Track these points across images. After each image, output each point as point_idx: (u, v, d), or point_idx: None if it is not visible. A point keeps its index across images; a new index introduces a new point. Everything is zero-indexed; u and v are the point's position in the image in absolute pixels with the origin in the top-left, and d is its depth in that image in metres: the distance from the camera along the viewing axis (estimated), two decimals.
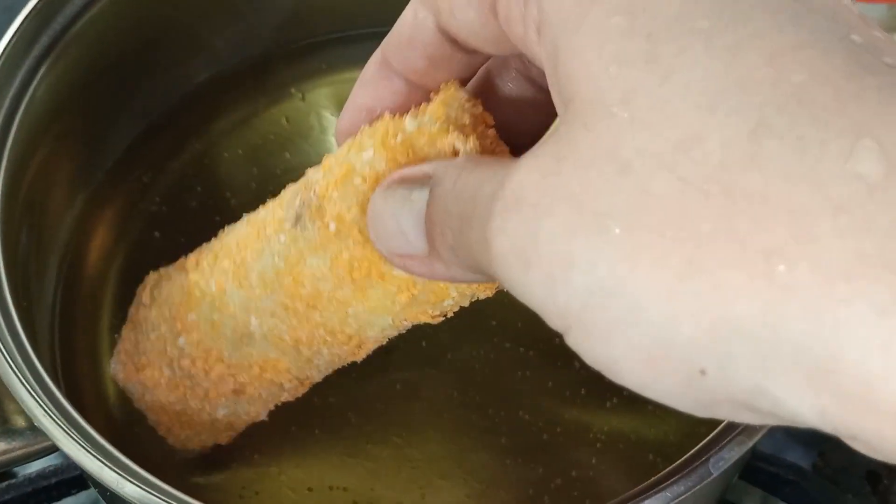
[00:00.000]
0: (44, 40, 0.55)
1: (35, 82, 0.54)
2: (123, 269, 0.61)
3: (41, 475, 0.57)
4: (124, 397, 0.55)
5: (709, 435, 0.44)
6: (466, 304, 0.41)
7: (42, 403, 0.43)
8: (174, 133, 0.66)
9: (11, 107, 0.53)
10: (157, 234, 0.62)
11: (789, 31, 0.24)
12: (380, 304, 0.41)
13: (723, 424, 0.44)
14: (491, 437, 0.55)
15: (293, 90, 0.68)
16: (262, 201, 0.61)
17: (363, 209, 0.37)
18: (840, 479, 0.58)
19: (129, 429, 0.55)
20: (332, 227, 0.40)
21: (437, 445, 0.55)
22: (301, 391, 0.50)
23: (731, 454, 0.42)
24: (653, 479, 0.43)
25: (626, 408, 0.56)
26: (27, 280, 0.55)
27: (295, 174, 0.62)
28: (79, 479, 0.58)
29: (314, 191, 0.40)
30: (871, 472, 0.58)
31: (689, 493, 0.42)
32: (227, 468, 0.55)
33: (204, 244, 0.48)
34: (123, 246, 0.62)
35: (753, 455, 0.55)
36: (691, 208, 0.23)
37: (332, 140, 0.65)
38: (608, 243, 0.24)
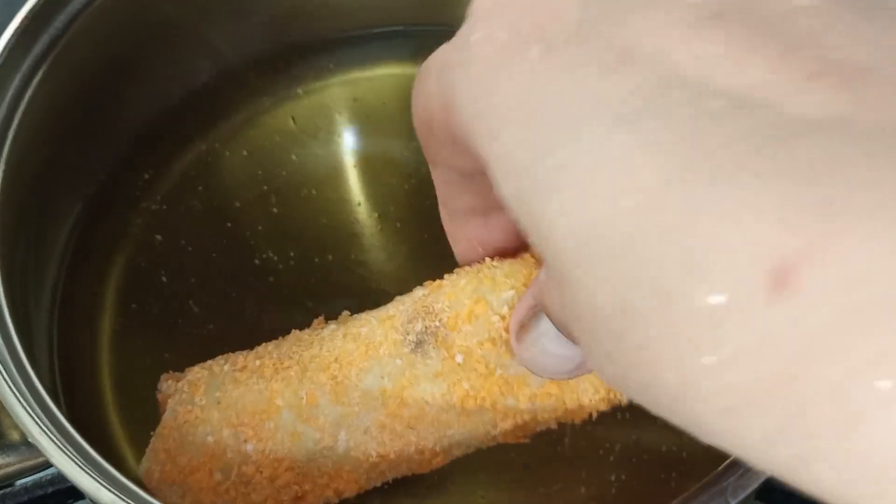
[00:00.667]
0: (44, 39, 0.53)
1: (34, 83, 0.52)
2: (125, 271, 0.60)
3: (38, 484, 0.56)
4: (124, 411, 0.54)
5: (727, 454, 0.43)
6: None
7: (37, 419, 0.42)
8: (177, 133, 0.64)
9: (10, 108, 0.51)
10: (158, 236, 0.61)
11: None
12: (481, 428, 0.44)
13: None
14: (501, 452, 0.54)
15: (299, 90, 0.66)
16: (268, 204, 0.61)
17: (495, 344, 0.42)
18: None
19: (129, 443, 0.54)
20: (460, 358, 0.43)
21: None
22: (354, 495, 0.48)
23: (750, 482, 0.41)
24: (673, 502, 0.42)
25: (637, 422, 0.55)
26: (25, 286, 0.53)
27: (300, 175, 0.62)
28: (76, 490, 0.56)
29: (441, 320, 0.43)
30: None
31: None
32: None
33: (273, 346, 0.47)
34: (124, 248, 0.61)
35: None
36: None
37: (339, 141, 0.64)
38: None
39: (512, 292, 0.41)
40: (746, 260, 0.21)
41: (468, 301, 0.42)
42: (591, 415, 0.45)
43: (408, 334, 0.44)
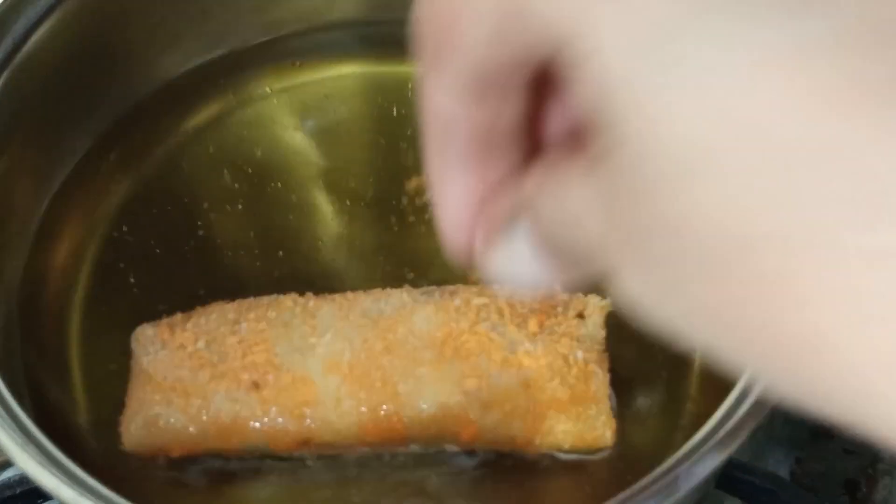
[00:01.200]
0: (7, 42, 0.53)
1: None
2: (91, 270, 0.60)
3: (6, 485, 0.56)
4: (93, 409, 0.55)
5: (683, 445, 0.44)
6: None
7: None
8: (142, 132, 0.64)
9: None
10: (125, 233, 0.61)
11: None
12: (446, 380, 0.50)
13: (697, 436, 0.44)
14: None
15: (266, 88, 0.67)
16: (234, 201, 0.61)
17: (492, 301, 0.52)
18: (818, 488, 0.57)
19: (94, 438, 0.54)
20: (457, 302, 0.52)
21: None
22: (296, 446, 0.51)
23: (703, 469, 0.42)
24: (621, 494, 0.42)
25: None
26: None
27: (267, 173, 0.63)
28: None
29: (454, 286, 0.54)
30: (850, 479, 0.58)
31: None
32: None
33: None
34: (90, 246, 0.61)
35: (729, 464, 0.54)
36: None
37: (302, 137, 0.64)
38: None
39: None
40: None
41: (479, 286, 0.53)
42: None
43: (424, 291, 0.53)
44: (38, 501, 0.57)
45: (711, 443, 0.42)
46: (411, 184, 0.61)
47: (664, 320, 0.24)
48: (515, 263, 0.30)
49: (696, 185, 0.21)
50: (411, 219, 0.60)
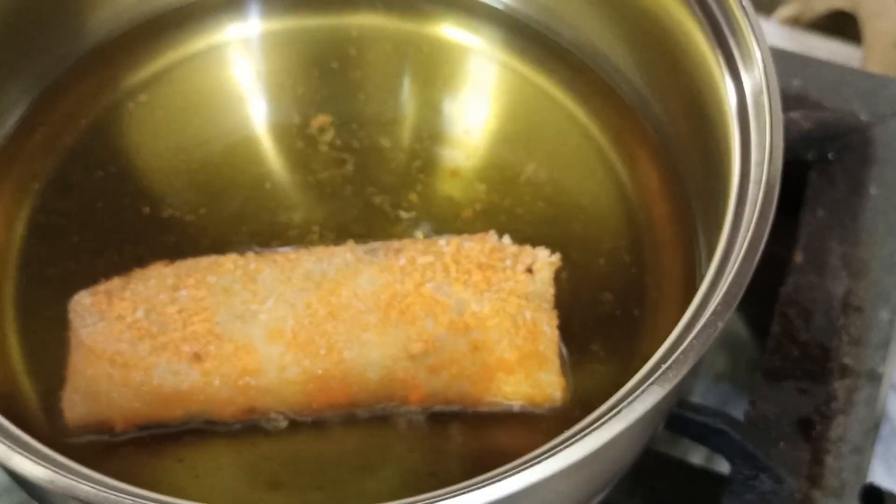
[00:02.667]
0: None
1: None
2: (28, 230, 0.58)
3: None
4: (32, 366, 0.53)
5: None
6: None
7: None
8: (80, 91, 0.63)
9: None
10: (63, 195, 0.60)
11: None
12: (392, 345, 0.50)
13: (640, 372, 0.43)
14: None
15: (206, 43, 0.65)
16: (175, 159, 0.60)
17: (435, 263, 0.51)
18: (771, 428, 0.57)
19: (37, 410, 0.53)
20: (402, 261, 0.51)
21: None
22: (242, 415, 0.50)
23: (644, 404, 0.41)
24: (564, 434, 0.41)
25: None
26: None
27: (209, 129, 0.62)
28: None
29: (399, 241, 0.53)
30: (804, 418, 0.57)
31: (599, 447, 0.40)
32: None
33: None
34: (25, 206, 0.59)
35: (680, 404, 0.54)
36: None
37: (241, 91, 0.63)
38: None
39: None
40: None
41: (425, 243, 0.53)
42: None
43: (368, 249, 0.53)
44: None
45: (652, 379, 0.42)
46: (316, 122, 0.61)
47: None
48: None
49: None
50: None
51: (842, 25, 0.89)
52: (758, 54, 0.50)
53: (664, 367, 0.42)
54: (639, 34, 0.60)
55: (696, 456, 0.70)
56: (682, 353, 0.42)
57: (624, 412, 0.41)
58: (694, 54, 0.54)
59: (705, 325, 0.42)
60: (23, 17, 0.59)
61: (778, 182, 0.46)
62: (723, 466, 0.61)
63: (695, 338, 0.42)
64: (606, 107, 0.62)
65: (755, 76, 0.50)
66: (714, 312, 0.43)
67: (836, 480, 0.55)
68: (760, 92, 0.49)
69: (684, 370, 0.42)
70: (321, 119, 0.62)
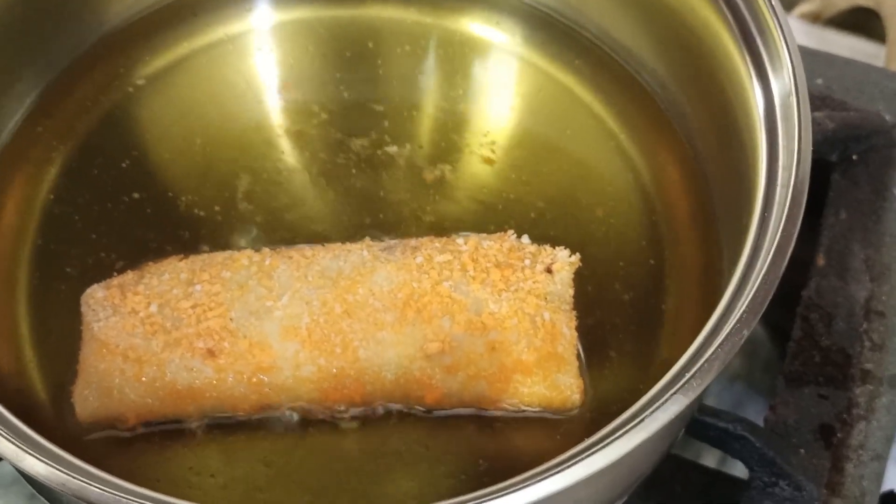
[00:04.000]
0: None
1: None
2: (41, 220, 0.58)
3: None
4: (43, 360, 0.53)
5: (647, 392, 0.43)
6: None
7: None
8: (93, 81, 0.62)
9: None
10: (74, 185, 0.59)
11: None
12: (408, 344, 0.49)
13: (664, 379, 0.43)
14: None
15: (223, 34, 0.65)
16: (187, 148, 0.59)
17: (453, 262, 0.50)
18: (791, 434, 0.56)
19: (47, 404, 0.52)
20: (419, 259, 0.50)
21: None
22: (255, 410, 0.50)
23: (668, 413, 0.41)
24: (587, 441, 0.41)
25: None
26: None
27: (221, 119, 0.61)
28: None
29: (416, 239, 0.52)
30: (825, 425, 0.56)
31: (622, 455, 0.40)
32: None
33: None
34: (38, 195, 0.59)
35: (701, 409, 0.53)
36: None
37: (259, 82, 0.63)
38: None
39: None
40: None
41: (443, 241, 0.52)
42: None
43: (385, 247, 0.52)
44: None
45: (676, 387, 0.41)
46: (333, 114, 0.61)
47: None
48: None
49: None
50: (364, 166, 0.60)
51: (862, 22, 0.88)
52: (787, 57, 0.49)
53: (689, 375, 0.41)
54: (664, 31, 0.59)
55: (710, 458, 0.69)
56: (707, 361, 0.42)
57: (647, 421, 0.40)
58: (721, 54, 0.53)
59: (731, 333, 0.42)
60: (38, 3, 0.58)
61: (806, 187, 0.45)
62: (736, 469, 0.60)
63: (720, 346, 0.42)
64: (629, 103, 0.62)
65: (784, 79, 0.49)
66: (740, 320, 0.42)
67: (856, 488, 0.54)
68: (789, 95, 0.48)
69: (709, 379, 0.41)
70: (338, 111, 0.61)
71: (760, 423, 0.59)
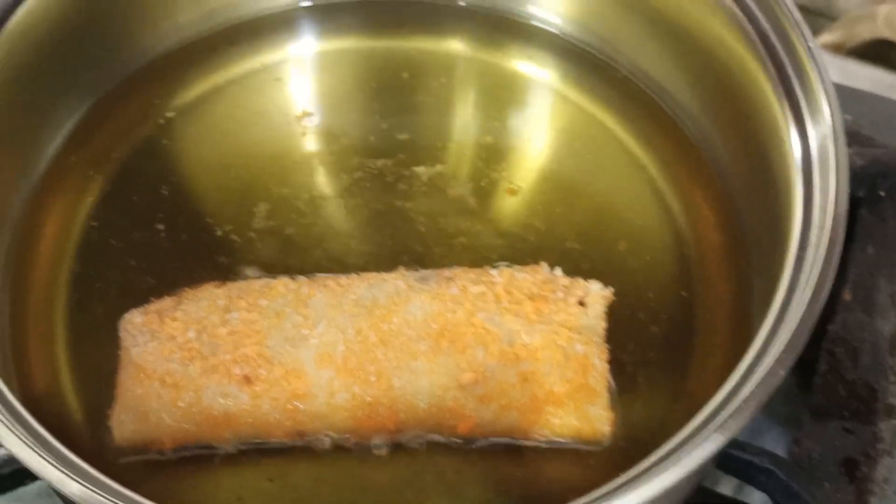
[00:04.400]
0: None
1: None
2: (80, 242, 0.59)
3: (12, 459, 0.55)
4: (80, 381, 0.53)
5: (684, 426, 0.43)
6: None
7: None
8: (127, 111, 0.63)
9: None
10: (113, 210, 0.60)
11: None
12: (442, 374, 0.50)
13: (700, 416, 0.43)
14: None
15: (257, 64, 0.66)
16: (225, 175, 0.60)
17: (487, 294, 0.51)
18: (816, 467, 0.56)
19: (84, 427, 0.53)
20: (454, 290, 0.51)
21: None
22: (289, 437, 0.50)
23: (706, 450, 0.41)
24: (624, 476, 0.41)
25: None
26: None
27: (258, 146, 0.62)
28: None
29: (450, 269, 0.53)
30: (848, 458, 0.57)
31: (658, 493, 0.40)
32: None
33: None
34: (78, 216, 0.60)
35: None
36: None
37: (302, 125, 0.63)
38: None
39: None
40: None
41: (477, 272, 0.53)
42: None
43: (419, 277, 0.53)
44: (27, 481, 0.56)
45: (714, 424, 0.42)
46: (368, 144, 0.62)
47: None
48: None
49: None
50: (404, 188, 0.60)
51: (885, 53, 0.88)
52: (824, 101, 0.50)
53: (727, 413, 0.42)
54: (699, 69, 0.60)
55: (726, 487, 0.69)
56: (745, 401, 0.42)
57: (685, 458, 0.41)
58: (757, 94, 0.54)
59: (769, 374, 0.42)
60: (83, 29, 0.59)
61: (843, 228, 0.46)
62: (753, 498, 0.60)
63: (758, 385, 0.42)
64: (663, 139, 0.62)
65: (822, 123, 0.49)
66: (778, 360, 0.42)
67: None
68: (826, 137, 0.49)
69: (747, 418, 0.42)
70: (373, 140, 0.62)
71: (779, 451, 0.59)
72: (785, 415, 0.64)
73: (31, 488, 0.59)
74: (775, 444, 0.62)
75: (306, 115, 0.64)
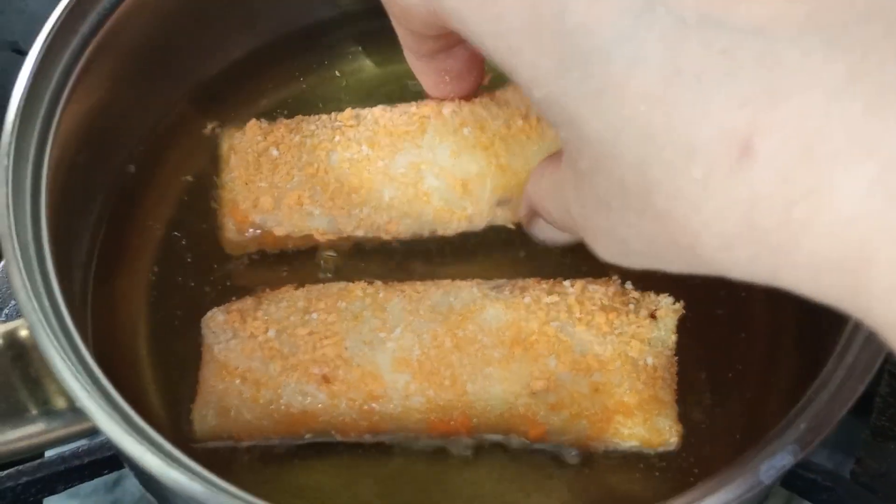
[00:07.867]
0: (92, 17, 0.54)
1: (83, 60, 0.53)
2: (160, 245, 0.60)
3: (74, 454, 0.57)
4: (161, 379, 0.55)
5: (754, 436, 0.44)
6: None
7: (84, 385, 0.43)
8: (211, 110, 0.64)
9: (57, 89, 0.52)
10: (194, 204, 0.61)
11: None
12: (514, 381, 0.51)
13: (774, 431, 0.44)
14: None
15: (336, 71, 0.67)
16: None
17: (559, 304, 0.52)
18: (877, 486, 0.57)
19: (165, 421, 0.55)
20: (528, 299, 0.52)
21: None
22: (358, 434, 0.52)
23: (783, 463, 0.42)
24: (700, 487, 0.42)
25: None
26: (69, 258, 0.54)
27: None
28: (110, 460, 0.57)
29: (524, 280, 0.54)
30: None
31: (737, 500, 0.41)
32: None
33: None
34: (160, 219, 0.61)
35: None
36: None
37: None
38: None
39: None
40: (717, 140, 0.30)
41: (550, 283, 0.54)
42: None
43: (493, 286, 0.54)
44: (104, 472, 0.58)
45: (788, 441, 0.42)
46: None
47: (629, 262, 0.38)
48: (545, 232, 0.53)
49: (614, 162, 0.34)
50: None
51: None
52: None
53: (802, 428, 0.42)
54: None
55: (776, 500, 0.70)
56: (820, 416, 0.42)
57: (761, 472, 0.42)
58: None
59: (847, 390, 0.43)
60: (167, 40, 0.61)
61: None
62: None
63: (833, 401, 0.43)
64: None
65: None
66: (854, 377, 0.43)
67: None
68: None
69: (823, 434, 0.42)
70: None
71: (842, 471, 0.60)
72: (846, 436, 0.64)
73: (85, 486, 0.61)
74: (826, 460, 0.63)
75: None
